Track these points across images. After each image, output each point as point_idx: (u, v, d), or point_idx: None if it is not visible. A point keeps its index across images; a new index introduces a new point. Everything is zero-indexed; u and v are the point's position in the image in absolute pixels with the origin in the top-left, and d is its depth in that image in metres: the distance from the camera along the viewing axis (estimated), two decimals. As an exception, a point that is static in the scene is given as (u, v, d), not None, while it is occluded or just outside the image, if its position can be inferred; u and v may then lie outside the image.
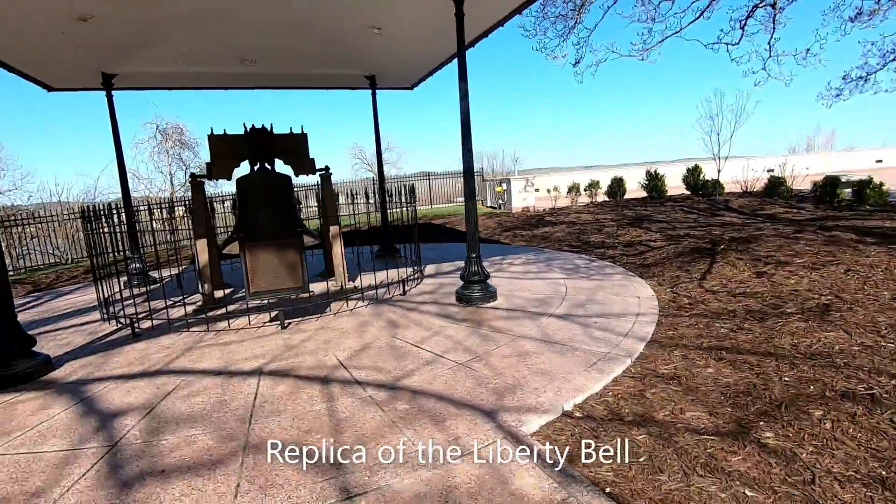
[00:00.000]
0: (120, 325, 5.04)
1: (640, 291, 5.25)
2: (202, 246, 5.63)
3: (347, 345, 4.11)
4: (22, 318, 6.13)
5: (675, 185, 16.22)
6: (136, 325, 4.76)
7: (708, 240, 7.14)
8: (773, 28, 9.20)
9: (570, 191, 15.80)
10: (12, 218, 13.04)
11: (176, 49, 6.65)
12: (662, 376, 3.16)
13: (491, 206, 18.67)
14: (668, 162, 21.57)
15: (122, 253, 8.31)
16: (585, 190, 15.97)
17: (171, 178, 22.05)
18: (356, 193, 6.74)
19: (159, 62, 7.08)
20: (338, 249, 6.10)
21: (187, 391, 3.36)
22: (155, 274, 7.92)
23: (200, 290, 5.62)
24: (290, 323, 4.82)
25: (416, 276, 6.35)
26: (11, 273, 11.39)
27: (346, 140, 53.33)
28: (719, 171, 13.90)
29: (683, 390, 2.94)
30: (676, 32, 9.64)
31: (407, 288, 5.91)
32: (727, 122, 14.88)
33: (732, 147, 14.03)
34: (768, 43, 9.51)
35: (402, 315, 4.89)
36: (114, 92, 7.47)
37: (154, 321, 4.89)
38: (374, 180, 23.57)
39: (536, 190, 17.04)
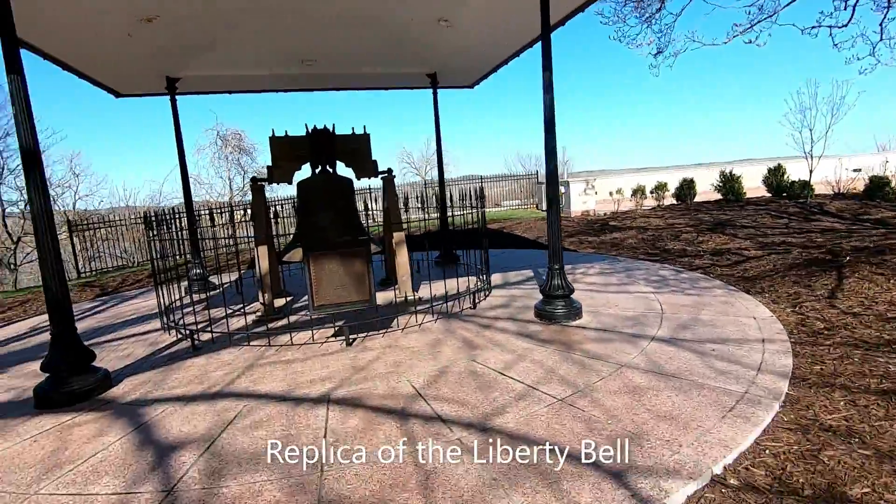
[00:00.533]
0: (180, 336, 4.81)
1: (753, 311, 4.48)
2: (263, 253, 5.36)
3: (422, 369, 3.63)
4: (87, 324, 6.12)
5: (751, 186, 14.87)
6: (195, 337, 4.51)
7: (823, 249, 6.18)
8: (888, 6, 8.02)
9: (634, 193, 14.80)
10: (85, 222, 13.64)
11: (238, 50, 6.49)
12: (833, 430, 2.46)
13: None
14: (741, 161, 19.95)
15: (182, 258, 8.28)
16: (652, 192, 14.92)
17: (230, 182, 22.71)
18: (408, 197, 6.31)
19: (221, 65, 6.96)
20: (402, 258, 5.68)
21: (250, 420, 2.98)
22: (215, 279, 7.82)
23: (260, 300, 5.34)
24: (355, 339, 4.41)
25: (484, 287, 5.81)
26: (84, 274, 11.84)
27: (391, 143, 53.43)
28: (811, 172, 12.51)
29: (874, 454, 2.24)
30: (769, 17, 8.61)
31: (477, 300, 5.38)
32: (821, 115, 13.32)
33: (828, 144, 12.52)
34: (880, 24, 8.31)
35: (478, 333, 4.37)
36: (177, 97, 7.44)
37: (214, 333, 4.61)
38: (424, 183, 23.28)
39: (596, 193, 16.12)
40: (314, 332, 4.50)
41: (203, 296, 7.14)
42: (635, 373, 3.29)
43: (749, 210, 11.51)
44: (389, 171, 6.03)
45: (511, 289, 6.12)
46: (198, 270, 7.40)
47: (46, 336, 5.62)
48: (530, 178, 21.05)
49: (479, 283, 6.06)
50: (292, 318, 5.26)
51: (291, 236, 5.86)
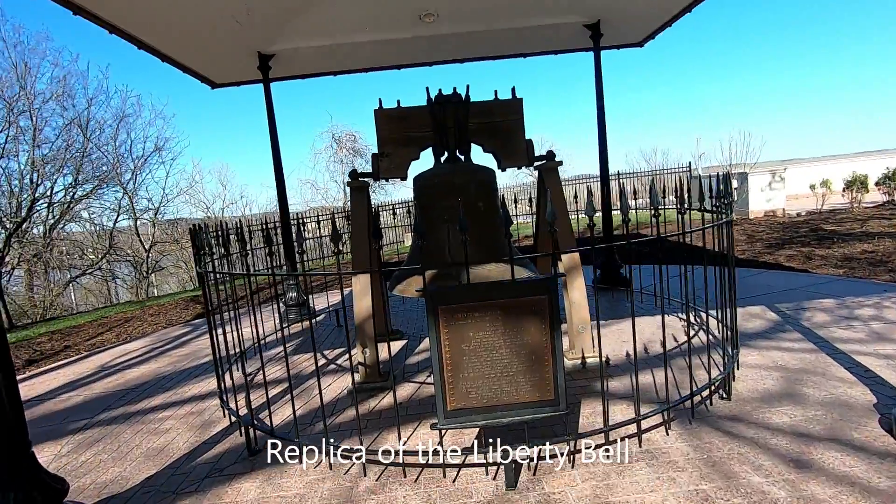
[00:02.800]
0: (235, 420, 3.11)
1: None
2: (364, 285, 3.53)
3: None
4: (153, 367, 4.54)
5: None
6: (253, 436, 2.76)
7: None
8: None
9: (849, 186, 10.83)
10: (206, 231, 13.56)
11: (338, 9, 4.87)
12: None
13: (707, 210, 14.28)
14: None
15: (272, 273, 6.93)
16: (878, 184, 10.85)
17: (345, 187, 22.35)
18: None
19: (319, 32, 5.42)
20: (577, 293, 3.46)
21: None
22: (322, 300, 6.34)
23: (358, 356, 3.50)
24: (519, 465, 2.31)
25: (732, 357, 3.35)
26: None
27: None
28: None
29: None
30: None
31: (729, 383, 2.95)
32: None
33: None
34: None
35: (791, 486, 2.00)
36: (273, 83, 6.08)
37: (278, 439, 2.84)
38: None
39: (784, 187, 12.33)
40: (444, 447, 2.48)
41: (298, 327, 5.67)
42: None
43: None
44: (550, 154, 3.87)
45: (760, 347, 3.60)
46: (293, 294, 5.95)
47: (109, 384, 4.39)
48: (681, 171, 17.41)
49: (689, 333, 3.62)
50: (402, 392, 3.34)
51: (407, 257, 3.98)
